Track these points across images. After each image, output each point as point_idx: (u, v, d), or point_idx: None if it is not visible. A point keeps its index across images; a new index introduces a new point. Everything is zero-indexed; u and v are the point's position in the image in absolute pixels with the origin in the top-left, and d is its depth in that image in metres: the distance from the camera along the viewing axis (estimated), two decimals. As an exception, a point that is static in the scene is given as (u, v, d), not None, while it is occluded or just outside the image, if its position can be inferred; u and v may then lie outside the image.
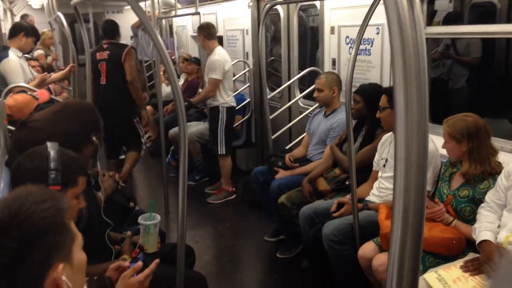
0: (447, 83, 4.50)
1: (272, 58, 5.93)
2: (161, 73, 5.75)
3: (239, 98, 5.75)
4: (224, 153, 4.83)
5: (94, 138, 2.14)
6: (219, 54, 4.72)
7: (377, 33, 3.48)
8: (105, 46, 4.78)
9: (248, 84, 5.79)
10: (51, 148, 1.66)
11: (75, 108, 2.19)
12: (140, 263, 1.78)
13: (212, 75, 4.64)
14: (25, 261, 1.00)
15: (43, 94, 3.64)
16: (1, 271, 0.98)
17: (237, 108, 5.63)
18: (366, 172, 3.16)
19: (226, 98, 4.79)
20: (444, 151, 2.58)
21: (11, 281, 1.00)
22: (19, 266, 0.99)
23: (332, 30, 4.03)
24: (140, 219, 2.32)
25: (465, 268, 2.16)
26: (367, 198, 3.04)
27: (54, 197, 1.10)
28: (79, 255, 1.14)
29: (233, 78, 5.72)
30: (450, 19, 4.32)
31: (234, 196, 4.99)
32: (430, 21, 3.23)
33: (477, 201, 2.37)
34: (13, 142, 2.09)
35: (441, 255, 2.34)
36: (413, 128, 0.57)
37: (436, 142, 2.76)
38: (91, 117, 2.19)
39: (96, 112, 2.26)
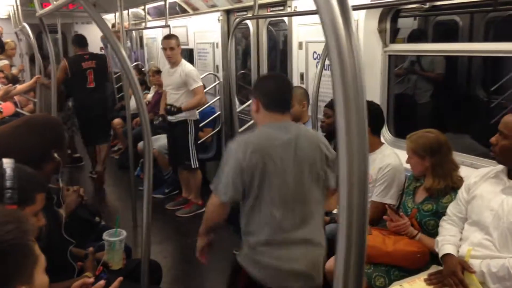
0: (411, 98, 4.62)
1: (243, 71, 5.97)
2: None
3: (209, 111, 5.75)
4: (197, 166, 4.80)
5: (55, 155, 2.09)
6: (190, 65, 4.75)
7: (344, 49, 3.55)
8: (86, 56, 5.65)
9: (218, 97, 5.80)
10: (7, 165, 1.62)
11: (37, 124, 2.13)
12: (102, 282, 1.75)
13: (196, 84, 4.61)
14: None
15: (7, 107, 3.56)
16: None
17: (207, 121, 5.65)
18: (333, 186, 3.19)
19: (194, 111, 4.78)
20: (408, 165, 2.64)
21: None
22: None
23: (300, 45, 4.09)
24: (105, 235, 2.28)
25: (429, 281, 2.20)
26: (334, 212, 3.08)
27: (19, 218, 1.09)
28: (41, 278, 1.12)
29: (204, 91, 5.73)
30: (414, 36, 4.44)
31: (203, 209, 4.95)
32: (393, 38, 3.33)
33: (440, 215, 2.43)
34: None
35: (405, 268, 2.38)
36: (353, 151, 0.59)
37: (401, 156, 2.83)
38: (52, 134, 2.12)
39: (59, 128, 2.21)
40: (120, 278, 1.80)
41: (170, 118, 4.71)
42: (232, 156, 2.08)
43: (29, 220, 1.10)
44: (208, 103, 5.77)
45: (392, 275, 2.37)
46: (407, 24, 4.51)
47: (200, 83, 4.65)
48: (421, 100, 4.59)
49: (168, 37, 4.71)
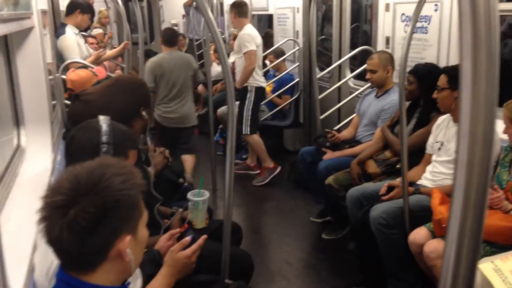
0: (509, 64, 4.24)
1: (323, 37, 5.81)
2: (211, 52, 5.77)
3: (288, 78, 5.70)
4: (248, 132, 4.77)
5: (143, 113, 2.19)
6: (249, 29, 4.71)
7: (435, 10, 3.32)
8: None
9: (297, 64, 5.72)
10: (103, 122, 1.70)
11: (126, 83, 2.24)
12: (188, 238, 1.81)
13: (246, 49, 4.56)
14: (99, 227, 1.05)
15: (100, 71, 3.74)
16: (76, 232, 1.03)
17: (286, 87, 5.60)
18: (418, 156, 3.05)
19: (256, 77, 4.72)
20: (504, 135, 2.44)
21: (83, 244, 1.04)
22: (93, 230, 1.04)
23: (387, 7, 3.87)
24: (189, 195, 2.34)
25: (524, 259, 2.05)
26: (418, 182, 2.95)
27: (131, 172, 1.14)
28: (143, 231, 1.19)
29: (283, 57, 5.68)
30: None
31: (278, 170, 4.90)
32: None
33: (540, 189, 2.24)
34: (68, 114, 2.17)
35: (497, 244, 2.24)
36: (480, 99, 0.52)
37: (496, 126, 2.61)
38: (141, 92, 2.23)
39: (145, 87, 2.30)
40: (205, 236, 1.85)
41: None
42: (147, 67, 4.42)
43: (139, 176, 1.15)
44: (286, 70, 5.72)
45: (482, 250, 2.23)
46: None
47: (250, 48, 4.55)
48: (520, 67, 4.19)
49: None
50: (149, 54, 6.39)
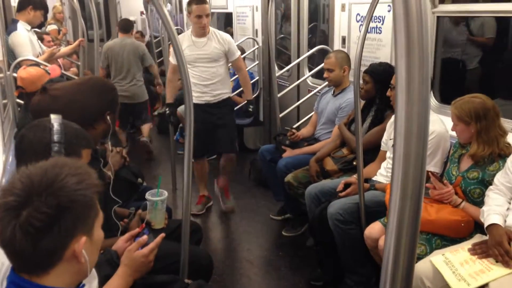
0: (458, 63, 4.42)
1: (282, 36, 5.86)
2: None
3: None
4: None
5: (108, 118, 2.13)
6: (225, 34, 4.19)
7: (389, 11, 3.41)
8: None
9: (257, 62, 5.74)
10: (54, 121, 1.66)
11: (97, 84, 2.18)
12: (144, 237, 1.78)
13: (238, 53, 4.10)
14: (53, 227, 1.03)
15: (54, 70, 3.64)
16: (30, 234, 1.01)
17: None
18: (374, 153, 3.13)
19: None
20: (453, 132, 2.54)
21: (36, 245, 1.03)
22: (47, 231, 1.02)
23: (343, 7, 3.95)
24: (148, 195, 2.32)
25: (473, 251, 2.13)
26: (374, 178, 3.03)
27: (87, 172, 1.13)
28: (99, 232, 1.18)
29: (243, 56, 5.68)
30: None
31: None
32: (443, -1, 3.15)
33: (486, 183, 2.34)
34: (31, 106, 2.08)
35: (448, 237, 2.33)
36: (414, 96, 0.54)
37: (447, 123, 2.72)
38: (109, 96, 2.17)
39: (115, 93, 2.24)
40: (163, 234, 1.83)
41: (210, 99, 4.05)
42: (103, 51, 5.33)
43: (94, 176, 1.14)
44: (246, 68, 5.72)
45: (433, 243, 2.32)
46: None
47: (239, 52, 4.21)
48: (469, 66, 4.38)
49: (203, 1, 3.89)
50: None
